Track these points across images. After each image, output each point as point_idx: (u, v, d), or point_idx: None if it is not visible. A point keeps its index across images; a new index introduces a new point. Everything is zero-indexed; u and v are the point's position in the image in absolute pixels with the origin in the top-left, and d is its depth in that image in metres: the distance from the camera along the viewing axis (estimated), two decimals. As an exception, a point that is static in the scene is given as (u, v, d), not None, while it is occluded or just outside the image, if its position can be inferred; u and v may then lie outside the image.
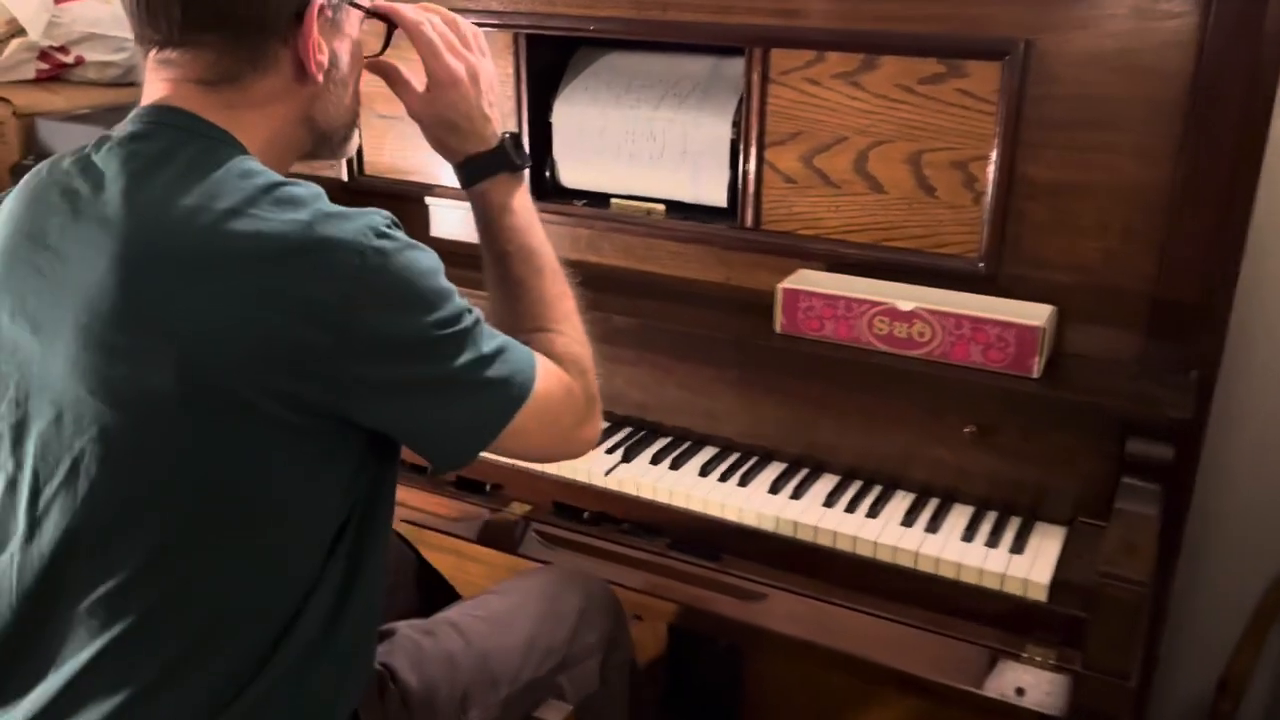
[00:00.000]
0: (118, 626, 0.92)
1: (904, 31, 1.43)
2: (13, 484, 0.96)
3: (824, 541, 1.41)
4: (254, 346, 0.87)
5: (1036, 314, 1.40)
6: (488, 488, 1.63)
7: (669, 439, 1.64)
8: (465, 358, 0.96)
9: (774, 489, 1.50)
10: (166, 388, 0.88)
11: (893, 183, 1.50)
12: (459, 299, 0.97)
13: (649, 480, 1.52)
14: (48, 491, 0.92)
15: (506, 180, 1.17)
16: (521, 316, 1.14)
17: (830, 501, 1.46)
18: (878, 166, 1.50)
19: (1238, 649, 1.83)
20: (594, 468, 1.55)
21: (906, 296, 1.46)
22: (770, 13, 1.51)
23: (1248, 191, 1.34)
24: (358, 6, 1.05)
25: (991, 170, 1.42)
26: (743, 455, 1.59)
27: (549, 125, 1.74)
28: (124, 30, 0.99)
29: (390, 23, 1.12)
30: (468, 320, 0.97)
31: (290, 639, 0.97)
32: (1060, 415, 1.37)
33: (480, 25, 1.18)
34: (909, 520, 1.42)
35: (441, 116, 1.14)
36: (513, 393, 1.00)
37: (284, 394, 0.89)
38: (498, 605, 1.33)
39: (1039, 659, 1.27)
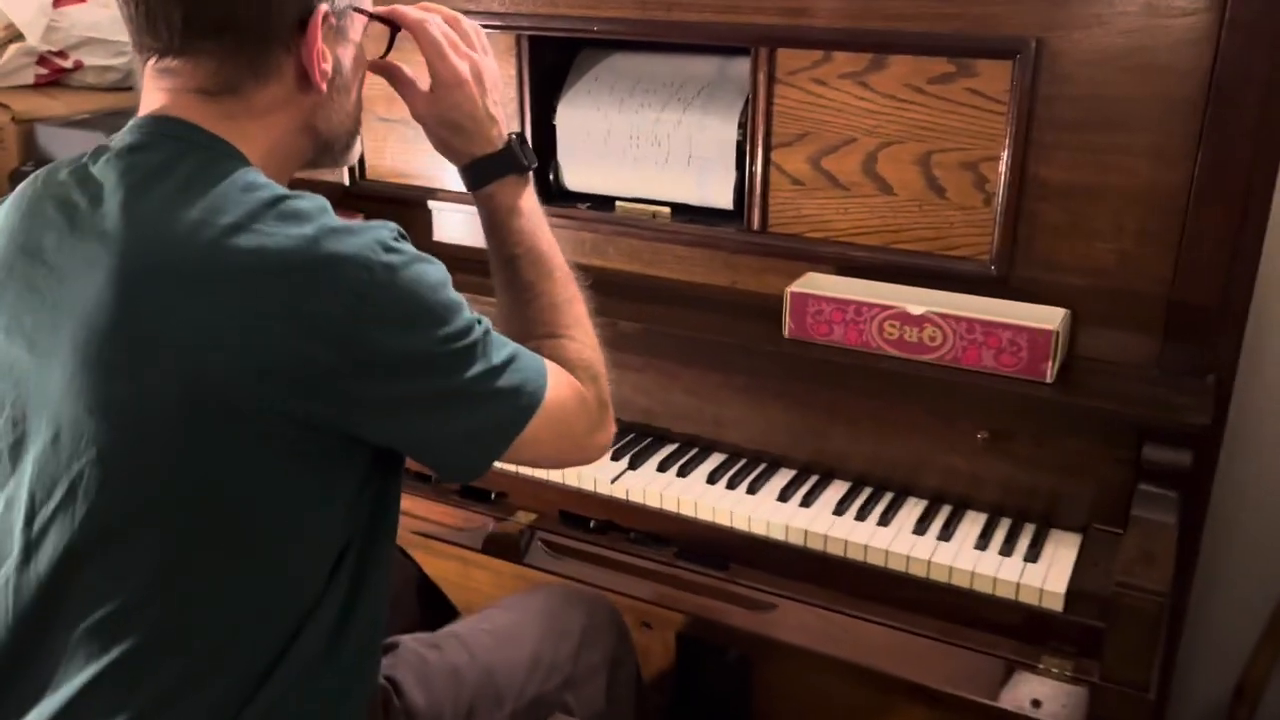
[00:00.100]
0: (117, 649, 0.89)
1: (913, 30, 1.41)
2: (9, 505, 0.93)
3: (834, 550, 1.39)
4: (257, 364, 0.85)
5: (1049, 317, 1.38)
6: (492, 496, 1.61)
7: (676, 445, 1.62)
8: (475, 370, 0.94)
9: (783, 497, 1.48)
10: (167, 407, 0.86)
11: (902, 184, 1.47)
12: (468, 311, 0.95)
13: (656, 488, 1.50)
14: (44, 513, 0.90)
15: (514, 182, 1.14)
16: (531, 322, 1.12)
17: (840, 509, 1.44)
18: (887, 168, 1.48)
19: (1254, 654, 1.80)
20: (600, 475, 1.53)
21: (917, 300, 1.43)
22: (776, 12, 1.48)
23: (1265, 191, 1.31)
24: (362, 12, 1.03)
25: (1003, 171, 1.39)
26: (751, 462, 1.56)
27: (553, 128, 1.72)
28: (123, 34, 0.96)
29: (393, 26, 1.10)
30: (477, 332, 0.95)
31: (292, 657, 0.95)
32: (1074, 421, 1.35)
33: (481, 27, 1.16)
34: (921, 528, 1.40)
35: (446, 118, 1.12)
36: (524, 402, 0.98)
37: (288, 412, 0.87)
38: (502, 620, 1.32)
39: (1055, 670, 1.24)
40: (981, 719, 1.28)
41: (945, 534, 1.39)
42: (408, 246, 0.92)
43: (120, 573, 0.89)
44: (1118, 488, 1.35)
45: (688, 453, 1.59)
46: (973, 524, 1.41)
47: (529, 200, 1.15)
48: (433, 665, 1.21)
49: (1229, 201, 1.29)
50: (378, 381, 0.89)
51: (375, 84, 1.15)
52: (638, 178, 1.67)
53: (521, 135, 1.16)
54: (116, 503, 0.88)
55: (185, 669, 0.91)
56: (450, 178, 1.80)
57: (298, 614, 0.95)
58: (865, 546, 1.37)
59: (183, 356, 0.85)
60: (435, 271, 0.93)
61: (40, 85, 2.37)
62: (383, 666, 1.14)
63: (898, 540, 1.37)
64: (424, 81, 1.12)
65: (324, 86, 0.97)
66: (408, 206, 1.86)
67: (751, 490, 1.49)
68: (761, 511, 1.44)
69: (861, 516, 1.43)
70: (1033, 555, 1.34)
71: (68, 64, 2.39)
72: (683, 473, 1.54)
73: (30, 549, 0.91)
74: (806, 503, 1.46)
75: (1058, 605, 1.27)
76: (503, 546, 1.56)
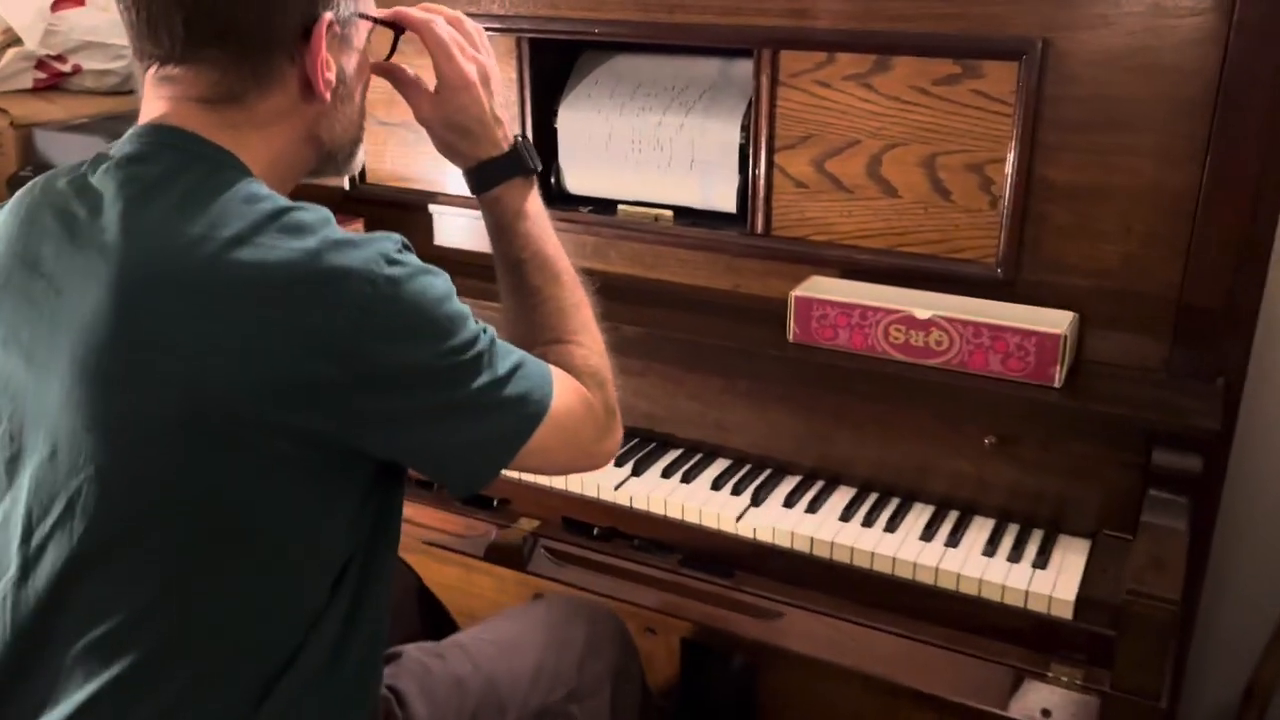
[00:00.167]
0: (117, 666, 0.88)
1: (917, 31, 1.39)
2: (6, 520, 0.92)
3: (841, 557, 1.38)
4: (258, 379, 0.84)
5: (1057, 321, 1.36)
6: (495, 503, 1.60)
7: (680, 451, 1.60)
8: (481, 381, 0.93)
9: (788, 503, 1.46)
10: (166, 421, 0.84)
11: (907, 187, 1.46)
12: (473, 322, 0.94)
13: (660, 495, 1.49)
14: (42, 529, 0.89)
15: (520, 184, 1.13)
16: (538, 327, 1.10)
17: (847, 515, 1.43)
18: (891, 170, 1.46)
19: (1264, 656, 1.79)
20: (603, 481, 1.52)
21: (922, 304, 1.42)
22: (779, 13, 1.47)
23: (1273, 193, 1.30)
24: (367, 17, 1.01)
25: (1009, 173, 1.38)
26: (756, 468, 1.55)
27: (554, 131, 1.70)
28: (122, 38, 0.95)
29: (398, 28, 1.08)
30: (483, 342, 0.94)
31: (294, 671, 0.94)
32: (1083, 425, 1.34)
33: (482, 29, 1.14)
34: (928, 534, 1.39)
35: (453, 120, 1.10)
36: (530, 411, 0.97)
37: (290, 427, 0.86)
38: (506, 630, 1.31)
39: (1065, 679, 1.23)
40: (991, 728, 1.27)
41: (953, 540, 1.37)
42: (412, 258, 0.91)
43: (119, 589, 0.88)
44: (1126, 493, 1.33)
45: (691, 458, 1.58)
46: (980, 530, 1.40)
47: (534, 203, 1.14)
48: (436, 675, 1.20)
49: (1237, 203, 1.28)
50: (381, 395, 0.88)
51: (375, 87, 1.13)
52: (640, 181, 1.66)
53: (526, 137, 1.14)
54: (115, 519, 0.87)
55: (186, 685, 0.90)
56: (451, 181, 1.79)
57: (300, 628, 0.94)
58: (872, 553, 1.36)
59: (183, 370, 0.84)
60: (440, 283, 0.92)
61: (39, 89, 2.36)
62: (385, 676, 1.13)
63: (904, 547, 1.36)
64: (428, 84, 1.11)
65: (328, 96, 0.96)
66: (408, 210, 1.84)
67: (756, 496, 1.48)
68: (767, 518, 1.43)
69: (868, 523, 1.41)
70: (1041, 562, 1.32)
71: (66, 68, 2.38)
72: (687, 479, 1.53)
73: (28, 565, 0.90)
74: (812, 509, 1.45)
75: (1067, 613, 1.25)
76: (505, 554, 1.55)
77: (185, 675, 0.90)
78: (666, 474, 1.54)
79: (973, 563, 1.33)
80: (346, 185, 1.88)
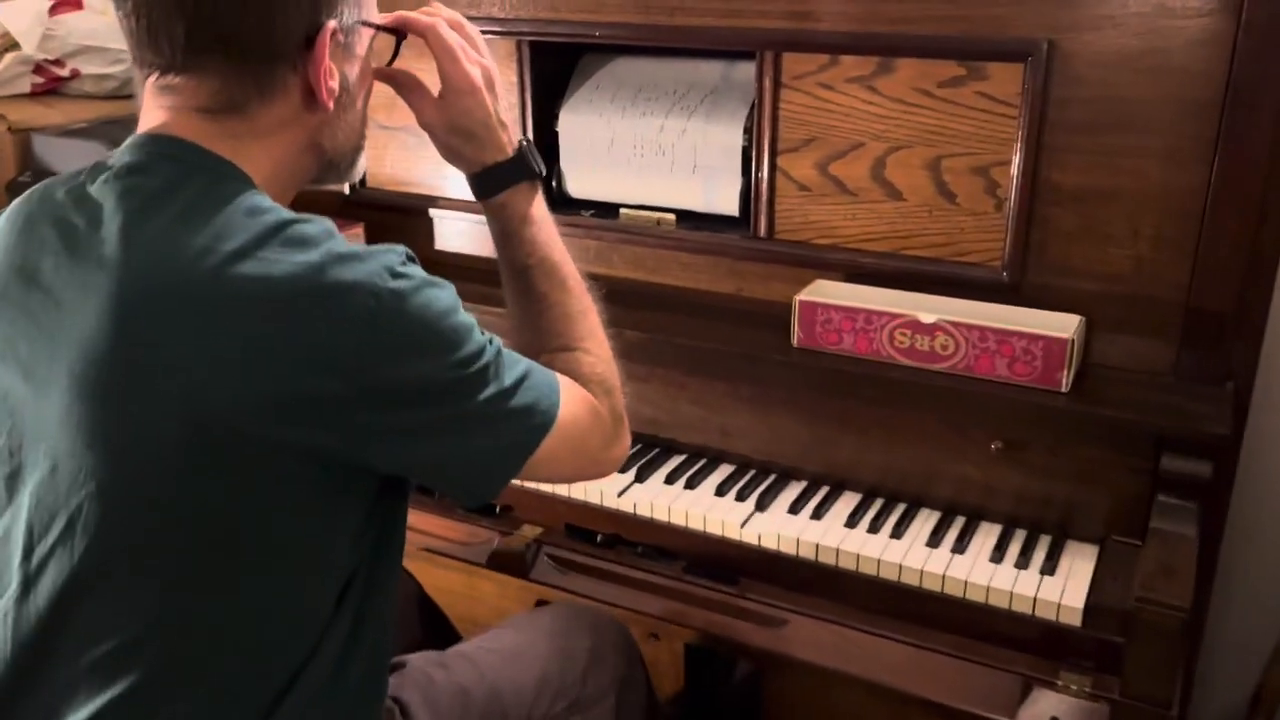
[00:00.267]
0: (119, 685, 0.87)
1: (921, 33, 1.38)
2: (7, 537, 0.91)
3: (846, 564, 1.37)
4: (261, 395, 0.83)
5: (1064, 325, 1.35)
6: (497, 510, 1.59)
7: (683, 457, 1.59)
8: (487, 393, 0.91)
9: (793, 509, 1.45)
10: (167, 438, 0.83)
11: (911, 189, 1.45)
12: (479, 333, 0.93)
13: (663, 501, 1.48)
14: (43, 546, 0.88)
15: (526, 189, 1.11)
16: (544, 334, 1.09)
17: (852, 522, 1.42)
18: (895, 173, 1.45)
19: (1272, 660, 1.78)
20: (606, 488, 1.51)
21: (927, 308, 1.41)
22: (781, 15, 1.46)
23: (1284, 194, 1.29)
24: (369, 25, 1.00)
25: (1014, 175, 1.37)
26: (760, 474, 1.54)
27: (554, 134, 1.69)
28: (120, 42, 0.93)
29: (400, 34, 1.07)
30: (489, 354, 0.92)
31: (298, 687, 0.93)
32: (1090, 430, 1.32)
33: (482, 33, 1.13)
34: (935, 540, 1.37)
35: (458, 125, 1.08)
36: (537, 421, 0.96)
37: (294, 444, 0.85)
38: (510, 640, 1.30)
39: (1074, 687, 1.22)
40: (999, 736, 1.26)
41: (960, 546, 1.36)
42: (416, 270, 0.90)
43: (121, 607, 0.87)
44: (1134, 498, 1.32)
45: (695, 464, 1.57)
46: (987, 536, 1.39)
47: (540, 208, 1.12)
48: (439, 685, 1.19)
49: (1246, 205, 1.27)
50: (387, 410, 0.87)
51: (374, 91, 1.12)
52: (641, 184, 1.65)
53: (530, 141, 1.13)
54: (116, 537, 0.86)
55: (189, 705, 0.89)
56: (451, 185, 1.78)
57: (303, 645, 0.93)
58: (878, 560, 1.34)
59: (184, 386, 0.82)
60: (445, 296, 0.90)
61: (37, 94, 2.35)
62: (389, 686, 1.12)
63: (911, 553, 1.35)
64: (431, 88, 1.09)
65: (331, 104, 0.94)
66: (409, 215, 1.83)
67: (761, 503, 1.47)
68: (772, 525, 1.42)
69: (874, 529, 1.40)
70: (1049, 568, 1.31)
71: (64, 72, 2.36)
72: (691, 485, 1.52)
73: (29, 582, 0.89)
74: (817, 515, 1.44)
75: (1076, 620, 1.24)
76: (508, 562, 1.54)
77: (188, 694, 0.88)
78: (670, 480, 1.53)
79: (980, 569, 1.32)
80: (346, 190, 1.87)
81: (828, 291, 1.50)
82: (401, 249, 0.90)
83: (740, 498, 1.48)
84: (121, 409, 0.84)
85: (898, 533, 1.39)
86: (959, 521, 1.42)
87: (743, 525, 1.43)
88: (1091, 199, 1.34)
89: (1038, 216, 1.38)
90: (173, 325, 0.83)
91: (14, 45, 2.26)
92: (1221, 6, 1.23)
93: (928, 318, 1.38)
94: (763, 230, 1.56)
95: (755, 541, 1.42)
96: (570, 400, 1.00)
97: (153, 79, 0.92)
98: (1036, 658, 1.26)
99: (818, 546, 1.38)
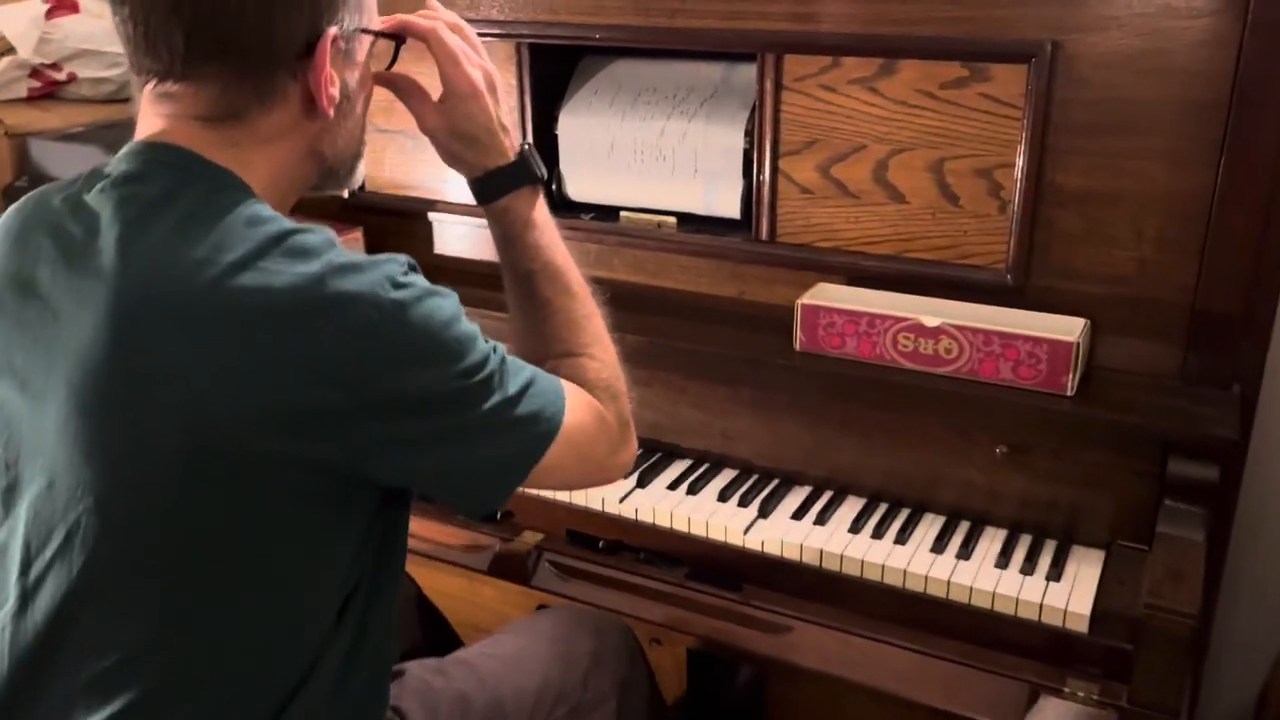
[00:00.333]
0: (118, 701, 0.86)
1: (924, 35, 1.37)
2: (3, 551, 0.90)
3: (850, 570, 1.35)
4: (261, 407, 0.81)
5: (1069, 328, 1.34)
6: (499, 516, 1.58)
7: (686, 462, 1.58)
8: (492, 402, 0.90)
9: (796, 515, 1.44)
10: (167, 453, 0.82)
11: (914, 192, 1.44)
12: (482, 341, 0.91)
13: (665, 507, 1.47)
14: (40, 561, 0.87)
15: (528, 194, 1.10)
16: (549, 340, 1.08)
17: (856, 527, 1.41)
18: (898, 175, 1.44)
19: (1277, 662, 1.77)
20: (608, 494, 1.50)
21: (931, 311, 1.40)
22: (783, 17, 1.45)
23: (1290, 196, 1.28)
24: (369, 31, 0.98)
25: (1018, 178, 1.36)
26: (763, 479, 1.53)
27: (554, 137, 1.68)
28: (117, 45, 0.92)
29: (399, 39, 1.06)
30: (493, 363, 0.91)
31: (299, 700, 0.92)
32: (1096, 434, 1.31)
33: (481, 36, 1.12)
34: (939, 546, 1.36)
35: (459, 129, 1.07)
36: (542, 429, 0.95)
37: (295, 456, 0.84)
38: (511, 646, 1.29)
39: (1081, 694, 1.21)
40: (1005, 744, 1.25)
41: (964, 552, 1.35)
42: (418, 280, 0.89)
43: (120, 622, 0.86)
44: (1140, 502, 1.31)
45: (698, 469, 1.56)
46: (992, 541, 1.38)
47: (542, 212, 1.11)
48: (439, 693, 1.19)
49: (1252, 206, 1.25)
50: (390, 422, 0.86)
51: (373, 94, 1.11)
52: (642, 187, 1.64)
53: (532, 145, 1.11)
54: (115, 551, 0.85)
55: (190, 719, 0.88)
56: (451, 189, 1.77)
57: (305, 658, 0.92)
58: (882, 566, 1.33)
59: (183, 399, 0.81)
60: (447, 305, 0.89)
61: (33, 98, 2.34)
62: (389, 695, 1.11)
63: (916, 559, 1.34)
64: (432, 92, 1.08)
65: (331, 112, 0.93)
66: (408, 218, 1.82)
67: (764, 508, 1.46)
68: (775, 530, 1.41)
69: (878, 534, 1.39)
70: (1055, 574, 1.30)
71: (61, 76, 2.35)
72: (693, 490, 1.51)
73: (27, 597, 0.88)
74: (821, 521, 1.43)
75: (1083, 626, 1.23)
76: (509, 568, 1.53)
77: (189, 709, 0.88)
78: (672, 485, 1.52)
79: (985, 575, 1.31)
80: (345, 194, 1.86)
81: (830, 295, 1.49)
82: (403, 258, 0.89)
83: (743, 503, 1.47)
84: (120, 421, 0.83)
85: (902, 538, 1.38)
86: (963, 527, 1.41)
87: (745, 531, 1.42)
88: (1096, 201, 1.33)
89: (1042, 219, 1.37)
90: (172, 336, 0.82)
91: (10, 49, 2.26)
92: (1226, 7, 1.22)
93: (931, 321, 1.37)
94: (764, 233, 1.55)
95: (758, 548, 1.40)
96: (576, 407, 0.99)
97: (150, 86, 0.90)
98: (1043, 664, 1.25)
99: (821, 552, 1.36)
